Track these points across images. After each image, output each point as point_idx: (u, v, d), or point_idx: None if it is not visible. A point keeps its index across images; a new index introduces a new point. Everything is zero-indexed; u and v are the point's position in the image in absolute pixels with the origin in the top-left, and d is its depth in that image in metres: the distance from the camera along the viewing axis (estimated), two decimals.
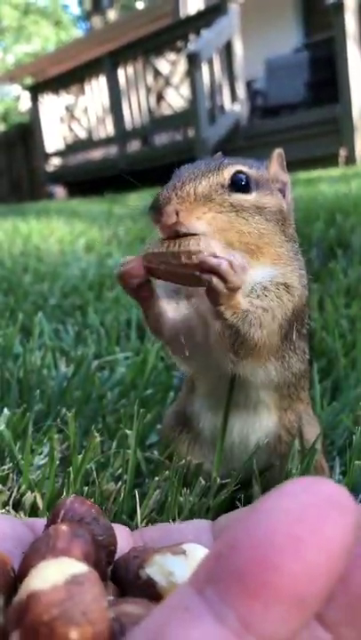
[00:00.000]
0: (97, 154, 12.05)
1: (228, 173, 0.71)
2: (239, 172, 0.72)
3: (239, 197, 0.70)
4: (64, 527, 0.40)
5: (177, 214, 0.65)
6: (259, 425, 0.81)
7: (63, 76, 12.26)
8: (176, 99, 10.23)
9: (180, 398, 0.93)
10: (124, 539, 0.52)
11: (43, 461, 0.93)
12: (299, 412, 0.83)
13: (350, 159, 7.79)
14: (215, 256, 0.63)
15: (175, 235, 0.66)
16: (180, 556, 0.42)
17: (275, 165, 0.79)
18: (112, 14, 27.46)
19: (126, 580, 0.44)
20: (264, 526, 0.29)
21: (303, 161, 7.79)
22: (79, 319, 1.72)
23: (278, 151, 0.80)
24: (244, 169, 0.73)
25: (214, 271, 0.63)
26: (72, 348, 1.47)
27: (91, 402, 1.14)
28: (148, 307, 0.73)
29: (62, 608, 0.30)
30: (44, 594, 0.31)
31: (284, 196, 0.79)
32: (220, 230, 0.67)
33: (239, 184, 0.71)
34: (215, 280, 0.63)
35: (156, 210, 0.66)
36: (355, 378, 1.23)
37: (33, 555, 0.39)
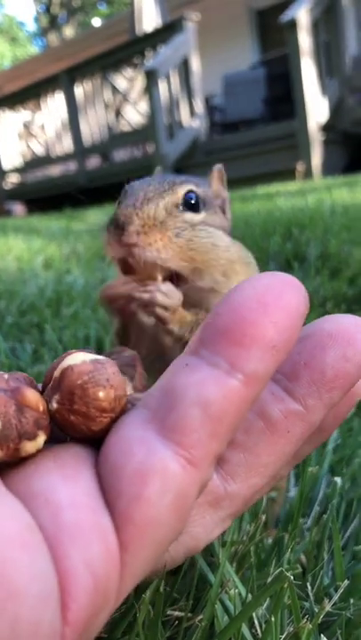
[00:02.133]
0: (56, 170, 12.02)
1: (181, 192, 0.71)
2: (190, 191, 0.72)
3: (190, 217, 0.71)
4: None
5: (137, 235, 0.65)
6: None
7: (20, 93, 12.21)
8: (134, 115, 10.29)
9: None
10: None
11: None
12: None
13: (308, 173, 7.95)
14: (146, 291, 0.66)
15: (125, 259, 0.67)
16: None
17: (216, 181, 0.80)
18: (68, 31, 27.58)
19: None
20: (239, 298, 0.37)
21: (261, 175, 7.94)
22: (36, 337, 1.71)
23: (218, 167, 0.81)
24: (194, 188, 0.73)
25: (152, 303, 0.66)
26: (29, 366, 1.45)
27: None
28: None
29: (91, 375, 0.40)
30: (76, 366, 0.41)
31: (224, 212, 0.80)
32: (173, 253, 0.67)
33: (190, 203, 0.71)
34: (157, 309, 0.66)
35: (118, 228, 0.66)
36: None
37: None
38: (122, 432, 0.38)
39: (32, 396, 0.39)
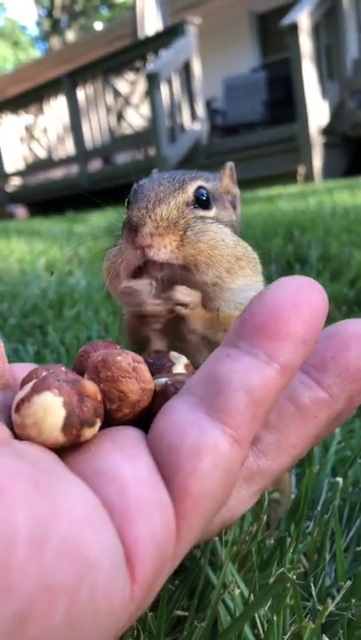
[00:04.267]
0: (58, 173, 12.04)
1: (191, 190, 0.71)
2: (200, 187, 0.72)
3: (201, 214, 0.71)
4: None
5: (151, 237, 0.66)
6: None
7: (22, 96, 12.24)
8: (136, 118, 10.32)
9: None
10: None
11: None
12: None
13: (308, 176, 7.96)
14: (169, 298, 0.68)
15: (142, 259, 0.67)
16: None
17: (227, 178, 0.81)
18: (70, 35, 27.65)
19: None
20: (273, 298, 0.42)
21: (263, 178, 7.95)
22: (39, 338, 1.71)
23: (230, 164, 0.81)
24: (204, 184, 0.73)
25: (175, 304, 0.68)
26: None
27: None
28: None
29: (105, 351, 0.48)
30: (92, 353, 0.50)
31: (234, 208, 0.80)
32: (186, 253, 0.67)
33: (201, 200, 0.72)
34: (178, 308, 0.68)
35: (132, 230, 0.66)
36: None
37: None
38: (174, 415, 0.42)
39: (91, 387, 0.43)
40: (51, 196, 11.53)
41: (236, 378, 0.41)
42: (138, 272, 0.68)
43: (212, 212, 0.72)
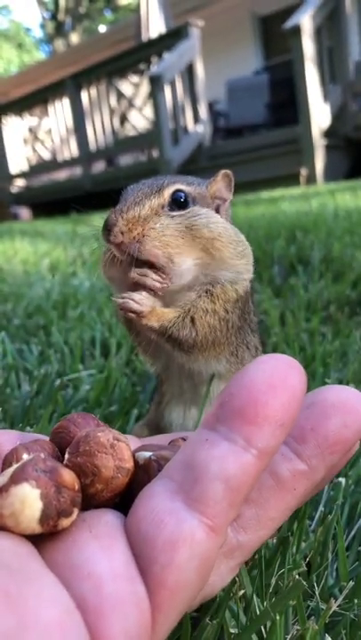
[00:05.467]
0: (61, 175, 12.05)
1: (167, 193, 0.75)
2: (178, 190, 0.76)
3: (176, 212, 0.75)
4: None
5: (121, 234, 0.72)
6: None
7: (26, 98, 12.26)
8: (140, 120, 10.33)
9: (150, 411, 0.95)
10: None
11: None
12: None
13: (311, 178, 7.96)
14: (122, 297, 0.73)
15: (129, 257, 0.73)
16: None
17: (218, 184, 0.82)
18: (75, 38, 27.70)
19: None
20: (250, 380, 0.42)
21: (265, 180, 7.95)
22: (43, 338, 1.71)
23: (224, 172, 0.83)
24: (183, 187, 0.77)
25: (124, 309, 0.73)
26: (35, 368, 1.46)
27: (54, 420, 1.14)
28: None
29: (90, 429, 0.49)
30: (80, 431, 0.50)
31: (217, 212, 0.81)
32: (159, 243, 0.73)
33: (178, 201, 0.75)
34: (129, 314, 0.74)
35: (105, 229, 0.73)
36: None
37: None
38: (152, 502, 0.42)
39: (68, 476, 0.43)
40: (54, 198, 11.54)
41: (214, 465, 0.41)
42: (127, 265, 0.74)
43: (186, 210, 0.76)
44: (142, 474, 0.48)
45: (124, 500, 0.47)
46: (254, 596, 0.65)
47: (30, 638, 0.33)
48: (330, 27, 8.49)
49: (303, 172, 8.02)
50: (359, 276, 2.13)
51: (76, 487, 0.44)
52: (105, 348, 1.61)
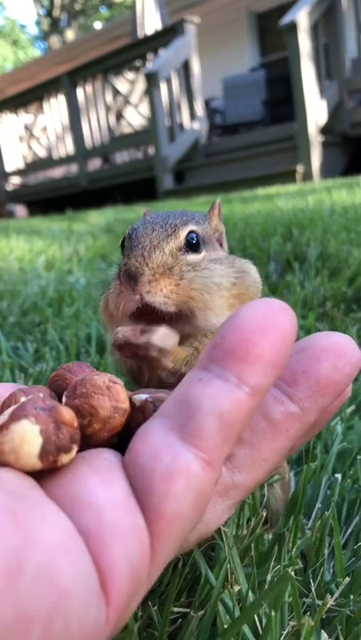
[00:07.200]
0: (57, 172, 12.04)
1: (183, 234, 0.74)
2: (191, 231, 0.75)
3: (192, 258, 0.73)
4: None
5: (149, 283, 0.69)
6: None
7: (22, 96, 12.24)
8: (136, 117, 10.32)
9: None
10: None
11: None
12: None
13: (307, 175, 7.96)
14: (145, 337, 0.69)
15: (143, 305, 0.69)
16: None
17: (216, 218, 0.82)
18: (70, 34, 27.64)
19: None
20: (242, 322, 0.43)
21: (262, 177, 7.95)
22: (38, 336, 1.71)
23: (217, 202, 0.83)
24: (195, 228, 0.76)
25: (149, 347, 0.68)
26: (31, 365, 1.46)
27: None
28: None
29: (86, 374, 0.51)
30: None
31: (221, 245, 0.81)
32: (180, 295, 0.70)
33: (191, 243, 0.74)
34: (152, 352, 0.69)
35: (131, 279, 0.69)
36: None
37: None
38: (149, 438, 0.43)
39: (67, 414, 0.44)
40: (50, 195, 11.53)
41: (208, 402, 0.42)
42: (136, 316, 0.71)
43: (200, 256, 0.74)
44: (139, 415, 0.50)
45: (121, 442, 0.48)
46: (250, 593, 0.65)
47: (36, 557, 0.34)
48: (326, 23, 8.48)
49: (300, 168, 8.02)
50: (355, 272, 2.13)
51: (75, 424, 0.44)
52: (100, 346, 1.61)
